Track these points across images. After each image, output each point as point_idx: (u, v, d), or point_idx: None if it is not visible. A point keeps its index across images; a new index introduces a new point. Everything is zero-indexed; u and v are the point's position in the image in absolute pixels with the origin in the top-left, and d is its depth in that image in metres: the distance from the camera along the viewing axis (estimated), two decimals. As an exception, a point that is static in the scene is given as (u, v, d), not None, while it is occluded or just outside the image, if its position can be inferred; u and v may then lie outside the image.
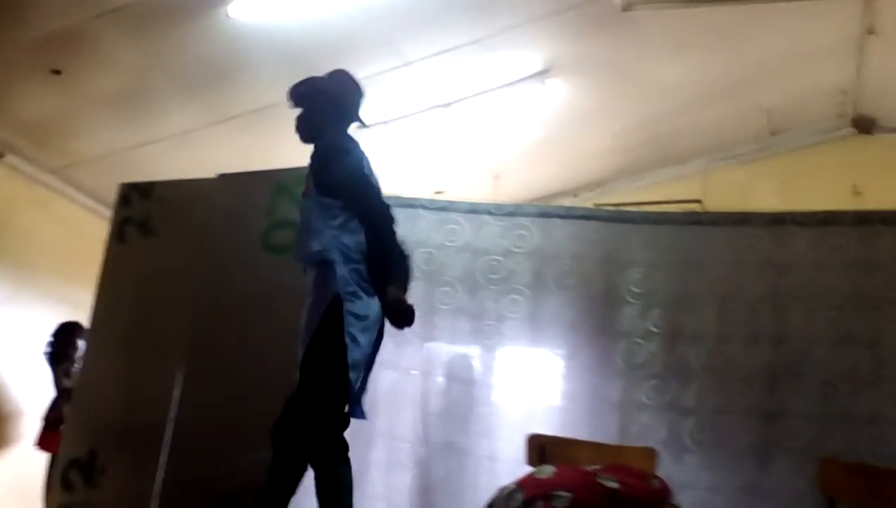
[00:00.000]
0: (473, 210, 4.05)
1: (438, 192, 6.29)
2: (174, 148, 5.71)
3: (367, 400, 3.75)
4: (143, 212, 4.00)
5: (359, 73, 5.21)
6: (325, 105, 3.08)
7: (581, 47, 5.45)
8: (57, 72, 5.00)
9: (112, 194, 4.17)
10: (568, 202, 6.90)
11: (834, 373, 3.47)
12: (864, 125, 6.58)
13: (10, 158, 5.77)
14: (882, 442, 3.34)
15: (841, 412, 3.42)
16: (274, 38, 4.80)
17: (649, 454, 3.38)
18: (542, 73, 5.60)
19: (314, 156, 3.02)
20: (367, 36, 4.96)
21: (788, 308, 3.61)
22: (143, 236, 3.96)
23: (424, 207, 4.06)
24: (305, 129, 3.09)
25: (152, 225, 3.97)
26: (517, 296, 3.90)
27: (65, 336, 5.27)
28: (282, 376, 3.22)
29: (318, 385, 2.79)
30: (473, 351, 3.95)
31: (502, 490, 3.04)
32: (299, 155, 3.62)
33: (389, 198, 4.01)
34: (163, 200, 4.00)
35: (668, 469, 3.40)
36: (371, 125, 3.27)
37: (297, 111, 3.09)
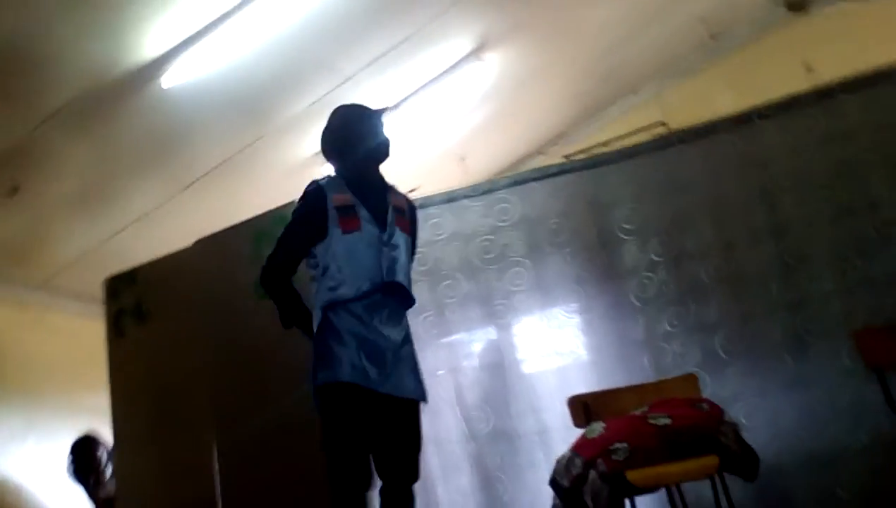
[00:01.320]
0: (450, 198, 4.04)
1: (412, 190, 6.28)
2: (149, 227, 5.68)
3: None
4: (133, 300, 3.97)
5: (304, 101, 5.23)
6: None
7: (507, 12, 5.44)
8: (15, 189, 4.98)
9: (100, 291, 4.15)
10: (538, 162, 6.89)
11: (842, 248, 3.49)
12: (798, 4, 6.59)
13: (-8, 289, 5.73)
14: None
15: (859, 281, 3.43)
16: (213, 93, 4.78)
17: (690, 380, 3.39)
18: (478, 50, 5.61)
19: (413, 210, 3.07)
20: (302, 63, 4.96)
21: (780, 200, 3.62)
22: (139, 323, 3.94)
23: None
24: None
25: (146, 309, 3.94)
26: (518, 268, 3.89)
27: (83, 450, 5.25)
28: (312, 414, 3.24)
29: None
30: (492, 334, 3.94)
31: (560, 460, 3.05)
32: (268, 199, 3.62)
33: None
34: (149, 282, 3.98)
35: (713, 389, 3.42)
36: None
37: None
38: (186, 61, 4.55)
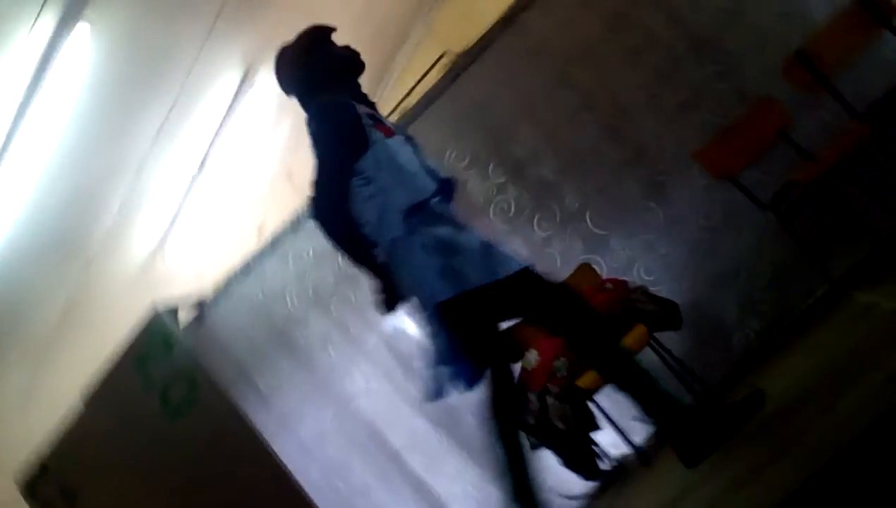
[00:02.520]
0: (297, 225, 4.02)
1: (261, 225, 6.20)
2: (30, 413, 5.39)
3: (366, 433, 3.85)
4: (56, 488, 3.80)
5: (112, 209, 4.99)
6: None
7: (251, 35, 5.38)
8: None
9: (19, 497, 3.94)
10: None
11: (645, 87, 3.63)
12: None
13: None
14: (719, 103, 3.53)
15: (674, 108, 3.59)
16: (15, 253, 4.51)
17: (586, 269, 3.50)
18: (248, 77, 5.54)
19: None
20: (88, 177, 4.74)
21: (575, 73, 3.72)
22: (73, 505, 3.77)
23: (264, 255, 4.11)
24: None
25: (73, 488, 3.77)
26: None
27: None
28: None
29: None
30: (400, 320, 3.95)
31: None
32: (131, 317, 3.52)
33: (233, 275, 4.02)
34: (62, 463, 3.81)
35: (610, 267, 3.54)
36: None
37: None
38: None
